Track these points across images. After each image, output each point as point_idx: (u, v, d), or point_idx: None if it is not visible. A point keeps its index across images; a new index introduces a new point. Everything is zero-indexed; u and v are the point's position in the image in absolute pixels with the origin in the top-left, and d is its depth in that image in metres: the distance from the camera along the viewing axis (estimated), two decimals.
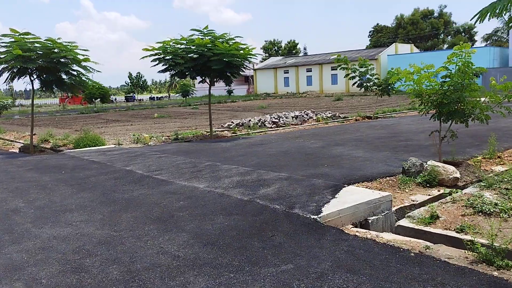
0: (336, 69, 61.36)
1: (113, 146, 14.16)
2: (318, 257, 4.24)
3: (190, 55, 14.54)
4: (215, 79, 15.15)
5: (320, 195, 6.27)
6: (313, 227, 5.13)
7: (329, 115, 21.80)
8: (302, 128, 18.49)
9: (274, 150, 11.29)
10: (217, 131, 18.00)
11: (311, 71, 66.60)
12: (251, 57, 14.84)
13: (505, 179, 6.90)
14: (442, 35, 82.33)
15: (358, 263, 4.07)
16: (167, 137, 16.50)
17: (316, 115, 21.64)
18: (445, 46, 79.69)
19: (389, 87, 21.61)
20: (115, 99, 79.08)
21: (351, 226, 5.65)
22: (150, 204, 6.43)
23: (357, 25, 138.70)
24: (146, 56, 14.63)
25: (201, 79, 15.69)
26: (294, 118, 20.71)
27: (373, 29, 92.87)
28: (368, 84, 21.64)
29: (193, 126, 22.54)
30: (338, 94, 58.21)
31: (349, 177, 7.73)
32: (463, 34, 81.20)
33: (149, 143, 15.01)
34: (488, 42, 72.43)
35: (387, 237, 5.11)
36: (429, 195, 7.03)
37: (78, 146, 13.78)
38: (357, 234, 5.08)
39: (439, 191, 7.23)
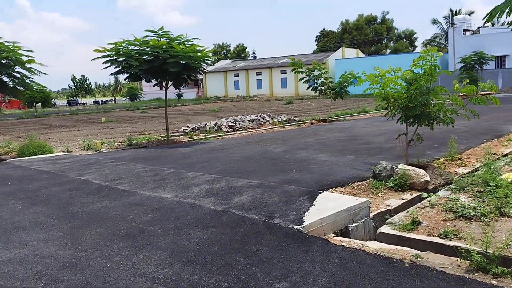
0: (286, 73, 62.10)
1: (63, 153, 13.24)
2: (312, 273, 3.95)
3: (145, 57, 13.91)
4: (171, 82, 14.57)
5: (297, 203, 6.02)
6: (297, 238, 4.85)
7: (284, 118, 21.76)
8: (259, 132, 18.27)
9: (238, 156, 10.95)
10: (173, 135, 17.39)
11: (261, 74, 66.86)
12: (208, 60, 14.43)
13: (475, 182, 6.97)
14: (385, 40, 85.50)
15: (356, 278, 3.83)
16: (120, 143, 15.71)
17: (272, 118, 21.53)
18: (388, 51, 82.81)
19: (343, 91, 21.94)
20: (55, 103, 75.33)
21: (333, 235, 5.44)
22: (115, 218, 5.90)
23: (304, 30, 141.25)
24: (97, 58, 13.84)
25: (156, 82, 15.07)
26: (250, 122, 20.47)
27: (319, 33, 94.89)
28: (323, 88, 21.82)
29: (146, 131, 21.73)
30: (288, 97, 58.78)
31: (321, 182, 7.54)
32: (404, 39, 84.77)
33: (101, 150, 14.19)
34: (428, 48, 75.94)
35: (373, 246, 4.93)
36: (402, 199, 6.98)
37: (23, 154, 12.74)
38: (343, 244, 4.86)
39: (411, 195, 7.20)
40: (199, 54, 13.73)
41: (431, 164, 8.96)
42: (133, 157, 11.67)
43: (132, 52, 13.89)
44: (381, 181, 7.58)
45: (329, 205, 5.90)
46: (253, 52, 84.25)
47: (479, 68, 35.25)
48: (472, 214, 5.51)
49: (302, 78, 21.87)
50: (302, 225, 5.14)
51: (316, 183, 7.45)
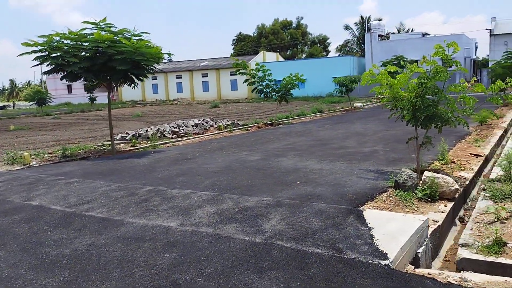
0: (207, 76, 60.65)
1: None
2: None
3: (84, 53, 11.84)
4: (117, 82, 12.61)
5: (350, 227, 4.87)
6: (397, 279, 3.69)
7: (228, 122, 20.46)
8: (208, 137, 16.79)
9: (214, 166, 9.49)
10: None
11: (181, 77, 64.56)
12: (159, 58, 12.70)
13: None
14: (299, 45, 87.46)
15: None
16: (50, 155, 13.33)
17: (215, 122, 20.12)
18: (304, 55, 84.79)
19: (287, 94, 21.19)
20: None
21: (412, 266, 4.37)
22: (120, 263, 4.27)
23: (219, 34, 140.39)
24: (26, 53, 11.49)
25: (94, 82, 12.97)
26: (194, 127, 18.88)
27: (236, 37, 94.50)
28: (268, 91, 20.87)
29: (72, 139, 19.11)
30: (210, 101, 57.37)
31: (343, 196, 6.45)
32: (318, 44, 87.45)
33: (31, 164, 11.79)
34: (341, 52, 79.16)
35: (476, 279, 3.94)
36: (442, 211, 6.14)
37: None
38: (449, 281, 3.80)
39: (445, 206, 6.40)
40: (151, 51, 11.97)
41: (442, 169, 8.31)
42: (83, 172, 9.66)
43: (69, 47, 11.75)
44: (407, 192, 6.68)
45: (389, 227, 4.83)
46: (169, 55, 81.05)
47: (399, 71, 36.75)
48: None
49: (247, 80, 20.72)
50: (389, 260, 3.99)
51: (340, 198, 6.34)
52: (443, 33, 59.70)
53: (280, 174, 8.30)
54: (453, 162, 9.49)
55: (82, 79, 12.52)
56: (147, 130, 17.47)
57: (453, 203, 6.54)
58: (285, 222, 5.17)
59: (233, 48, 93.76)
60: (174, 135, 17.47)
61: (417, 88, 7.62)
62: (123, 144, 15.45)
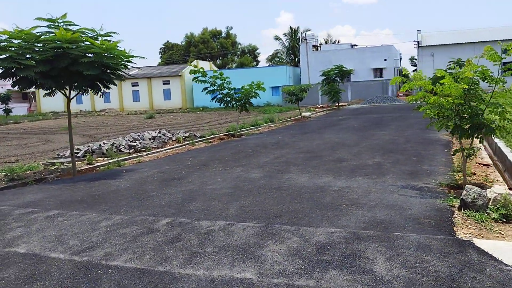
0: (138, 85, 57.71)
1: None
2: None
3: (39, 56, 9.84)
4: (82, 90, 10.67)
5: (487, 267, 3.86)
6: None
7: (186, 134, 18.84)
8: (173, 151, 15.13)
9: (219, 187, 8.08)
10: (63, 162, 13.10)
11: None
12: (129, 61, 10.97)
13: None
14: (229, 55, 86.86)
15: None
16: None
17: (173, 135, 18.41)
18: (234, 65, 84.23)
19: (247, 104, 20.04)
20: None
21: None
22: None
23: (145, 42, 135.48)
24: None
25: (50, 90, 10.90)
26: (151, 140, 17.06)
27: (163, 46, 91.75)
28: (228, 99, 19.58)
29: (4, 157, 16.37)
30: (141, 111, 54.56)
31: (419, 221, 5.44)
32: (248, 54, 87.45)
33: None
34: (272, 62, 79.77)
35: None
36: None
37: None
38: None
39: None
40: (124, 53, 10.25)
41: (485, 184, 7.63)
42: (56, 200, 7.76)
43: (21, 48, 9.70)
44: (480, 212, 5.84)
45: None
46: (141, 58, 76.42)
47: (339, 80, 37.12)
48: None
49: (206, 88, 19.25)
50: None
51: (417, 224, 5.32)
52: (360, 44, 62.37)
53: (309, 195, 7.13)
54: (474, 173, 8.93)
55: (36, 86, 10.41)
56: (100, 145, 15.37)
57: None
58: (396, 263, 4.04)
59: (161, 57, 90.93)
60: (132, 150, 15.56)
61: (463, 94, 6.87)
62: (77, 162, 13.32)
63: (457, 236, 4.85)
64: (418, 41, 47.14)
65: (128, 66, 10.94)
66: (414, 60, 78.54)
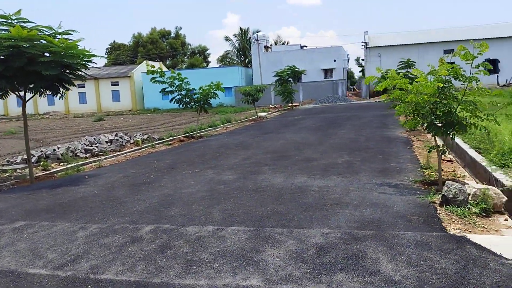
0: (85, 87, 55.49)
1: None
2: None
3: None
4: (40, 91, 9.97)
5: (490, 262, 3.93)
6: None
7: (144, 137, 18.25)
8: (133, 154, 14.58)
9: (195, 190, 7.80)
10: (15, 168, 12.26)
11: None
12: (90, 61, 10.40)
13: None
14: (180, 55, 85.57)
15: None
16: None
17: (130, 138, 17.78)
18: (184, 65, 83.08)
19: (206, 105, 19.73)
20: None
21: None
22: None
23: (90, 41, 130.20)
24: None
25: (3, 92, 10.13)
26: (109, 143, 16.37)
27: (110, 46, 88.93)
28: (187, 100, 19.17)
29: None
30: (88, 113, 52.59)
31: (407, 219, 5.50)
32: (198, 55, 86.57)
33: None
34: (223, 63, 79.45)
35: None
36: None
37: None
38: None
39: (506, 220, 5.85)
40: (85, 52, 9.71)
41: (458, 179, 7.86)
42: (20, 210, 7.18)
43: None
44: (461, 207, 6.00)
45: None
46: (102, 58, 72.55)
47: (292, 81, 37.51)
48: None
49: (164, 89, 18.72)
50: None
51: (406, 222, 5.38)
52: (308, 46, 63.57)
53: (290, 195, 7.05)
54: (442, 169, 9.21)
55: None
56: (55, 150, 14.54)
57: (506, 216, 6.03)
58: (401, 262, 4.02)
59: (107, 57, 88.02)
60: (88, 154, 14.85)
61: (438, 92, 7.05)
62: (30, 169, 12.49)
63: (448, 232, 4.93)
64: (366, 42, 48.59)
65: (88, 66, 10.37)
66: (360, 61, 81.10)
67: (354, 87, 61.81)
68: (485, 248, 4.26)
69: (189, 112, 43.70)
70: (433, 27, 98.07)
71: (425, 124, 7.33)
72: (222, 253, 4.56)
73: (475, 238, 4.60)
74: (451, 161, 10.32)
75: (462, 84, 7.11)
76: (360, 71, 76.62)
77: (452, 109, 7.07)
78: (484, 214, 5.97)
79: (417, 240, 4.60)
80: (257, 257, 4.39)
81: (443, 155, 7.81)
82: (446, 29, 50.86)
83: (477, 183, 8.03)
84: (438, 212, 5.85)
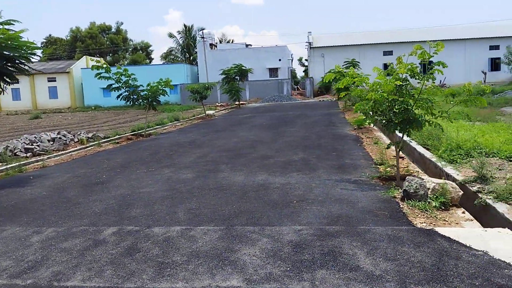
0: (19, 83, 52.28)
1: None
2: None
3: None
4: None
5: (463, 254, 4.07)
6: None
7: (89, 135, 17.43)
8: (81, 153, 13.86)
9: (153, 190, 7.50)
10: None
11: None
12: (34, 54, 9.72)
13: None
14: (121, 51, 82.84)
15: None
16: None
17: (74, 136, 16.91)
18: (126, 61, 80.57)
19: (155, 102, 19.18)
20: None
21: None
22: None
23: (24, 34, 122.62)
24: None
25: None
26: (51, 142, 15.46)
27: (45, 40, 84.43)
28: (135, 97, 18.52)
29: None
30: (23, 111, 49.63)
31: (374, 214, 5.60)
32: (141, 51, 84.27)
33: None
34: (166, 60, 77.90)
35: None
36: (471, 220, 5.81)
37: None
38: None
39: (463, 213, 6.11)
40: (28, 44, 9.06)
41: (413, 174, 8.12)
42: None
43: None
44: (422, 202, 6.20)
45: (495, 246, 4.19)
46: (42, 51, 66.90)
47: (239, 79, 37.46)
48: None
49: (110, 85, 17.94)
50: None
51: (374, 217, 5.47)
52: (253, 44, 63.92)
53: (254, 193, 6.96)
54: (395, 165, 9.51)
55: None
56: None
57: (463, 209, 6.31)
58: (379, 257, 4.06)
59: (42, 52, 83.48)
60: (29, 153, 13.94)
61: (396, 90, 7.24)
62: None
63: (416, 225, 5.06)
64: (309, 42, 49.56)
65: (32, 59, 9.70)
66: (303, 61, 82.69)
67: (298, 86, 62.93)
68: (454, 240, 4.41)
69: (133, 109, 42.47)
70: (372, 29, 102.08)
71: (384, 121, 7.51)
72: (195, 253, 4.39)
73: (443, 231, 4.75)
74: (402, 157, 10.69)
75: (418, 82, 7.35)
76: (303, 71, 78.08)
77: (409, 107, 7.30)
78: (443, 207, 6.21)
79: (388, 234, 4.67)
80: (233, 256, 4.26)
81: (396, 151, 8.06)
82: (385, 31, 53.05)
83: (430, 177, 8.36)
84: (401, 206, 6.00)
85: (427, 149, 10.80)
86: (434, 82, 7.14)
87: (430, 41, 7.07)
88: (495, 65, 47.33)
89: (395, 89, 7.21)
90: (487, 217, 6.08)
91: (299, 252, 4.28)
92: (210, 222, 5.45)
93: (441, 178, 7.38)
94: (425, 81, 7.18)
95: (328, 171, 8.67)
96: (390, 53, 48.65)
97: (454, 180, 7.33)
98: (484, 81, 43.44)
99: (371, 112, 7.62)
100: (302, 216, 5.56)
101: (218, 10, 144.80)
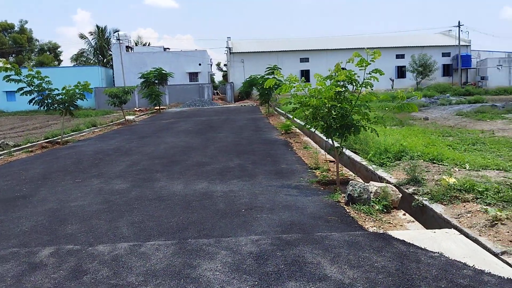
0: None
1: None
2: None
3: None
4: None
5: (423, 258, 4.21)
6: None
7: None
8: None
9: (86, 203, 6.90)
10: None
11: None
12: None
13: (452, 189, 6.73)
14: (26, 51, 76.81)
15: None
16: None
17: None
18: (32, 63, 74.90)
19: (72, 107, 17.91)
20: None
21: None
22: None
23: None
24: None
25: None
26: None
27: None
28: (49, 101, 17.13)
29: None
30: None
31: (326, 219, 5.63)
32: (48, 52, 78.88)
33: None
34: (77, 62, 73.78)
35: None
36: (413, 221, 6.06)
37: None
38: None
39: (404, 214, 6.37)
40: None
41: (348, 178, 8.32)
42: None
43: None
44: (366, 205, 6.36)
45: (447, 247, 4.39)
46: None
47: (158, 83, 36.45)
48: None
49: (22, 89, 16.36)
50: None
51: (325, 222, 5.50)
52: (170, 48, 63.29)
53: (198, 203, 6.69)
54: (329, 169, 9.74)
55: None
56: None
57: (403, 211, 6.57)
58: (343, 264, 4.05)
59: None
60: None
61: (335, 96, 7.40)
62: None
63: (368, 230, 5.15)
64: (229, 48, 49.77)
65: None
66: (221, 66, 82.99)
67: (218, 91, 62.91)
68: (410, 243, 4.53)
69: (41, 114, 39.48)
70: (290, 36, 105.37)
71: (324, 126, 7.63)
72: (151, 272, 4.06)
73: (396, 234, 4.88)
74: (332, 161, 11.00)
75: (356, 89, 7.58)
76: (222, 76, 78.24)
77: (347, 113, 7.50)
78: (385, 210, 6.42)
79: (346, 240, 4.69)
80: (194, 273, 4.00)
81: (336, 156, 8.23)
82: (302, 39, 54.99)
83: (368, 182, 8.65)
84: (347, 211, 6.11)
85: (356, 153, 11.23)
86: (372, 89, 7.39)
87: (367, 48, 7.31)
88: (401, 72, 51.11)
89: (334, 95, 7.37)
90: (426, 218, 6.40)
91: (263, 264, 4.14)
92: (159, 236, 5.11)
93: (372, 181, 7.66)
94: (362, 87, 7.42)
95: (268, 177, 8.63)
96: (306, 60, 50.49)
97: (388, 183, 7.65)
98: (392, 88, 46.71)
99: (311, 118, 7.70)
100: (255, 225, 5.43)
101: (130, 11, 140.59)
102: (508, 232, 4.86)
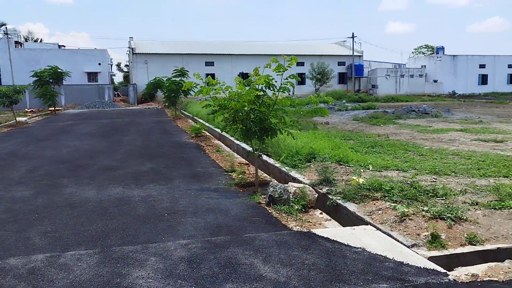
0: None
1: None
2: None
3: None
4: None
5: (348, 253, 4.50)
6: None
7: None
8: None
9: None
10: None
11: None
12: None
13: (364, 188, 7.17)
14: None
15: None
16: None
17: None
18: None
19: None
20: None
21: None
22: None
23: None
24: None
25: None
26: None
27: None
28: None
29: None
30: None
31: (250, 221, 5.71)
32: None
33: None
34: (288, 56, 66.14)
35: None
36: (329, 219, 6.41)
37: None
38: None
39: (321, 213, 6.69)
40: None
41: (269, 180, 8.50)
42: None
43: None
44: (286, 206, 6.57)
45: (369, 243, 4.74)
46: None
47: (54, 82, 33.96)
48: (447, 215, 5.82)
49: None
50: (451, 273, 3.97)
51: (250, 223, 5.60)
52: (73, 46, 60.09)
53: (116, 209, 6.38)
54: (245, 172, 9.88)
55: None
56: None
57: (319, 210, 6.90)
58: (276, 263, 4.16)
59: None
60: None
61: (255, 100, 7.55)
62: None
63: (292, 229, 5.34)
64: (132, 48, 48.09)
65: None
66: (122, 67, 79.73)
67: (119, 92, 60.36)
68: (334, 240, 4.78)
69: None
70: (195, 39, 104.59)
71: (244, 129, 7.73)
72: (77, 284, 3.78)
73: (320, 232, 5.12)
74: (246, 164, 11.18)
75: (274, 93, 7.80)
76: (123, 77, 75.22)
77: (266, 116, 7.68)
78: (303, 210, 6.70)
79: (274, 240, 4.81)
80: (125, 282, 3.81)
81: (256, 159, 8.39)
82: (207, 42, 55.12)
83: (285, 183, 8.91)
84: (269, 211, 6.27)
85: (268, 155, 11.53)
86: (289, 94, 7.66)
87: (285, 55, 7.56)
88: (301, 79, 53.54)
89: (254, 99, 7.52)
90: (340, 216, 6.78)
91: (197, 268, 4.08)
92: (78, 246, 4.78)
93: (287, 182, 7.96)
94: (282, 92, 7.66)
95: (185, 181, 8.52)
96: (212, 64, 50.63)
97: (301, 183, 7.98)
98: (293, 93, 48.73)
99: (231, 121, 7.76)
100: (181, 229, 5.33)
101: (17, 4, 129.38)
102: (415, 226, 5.35)
